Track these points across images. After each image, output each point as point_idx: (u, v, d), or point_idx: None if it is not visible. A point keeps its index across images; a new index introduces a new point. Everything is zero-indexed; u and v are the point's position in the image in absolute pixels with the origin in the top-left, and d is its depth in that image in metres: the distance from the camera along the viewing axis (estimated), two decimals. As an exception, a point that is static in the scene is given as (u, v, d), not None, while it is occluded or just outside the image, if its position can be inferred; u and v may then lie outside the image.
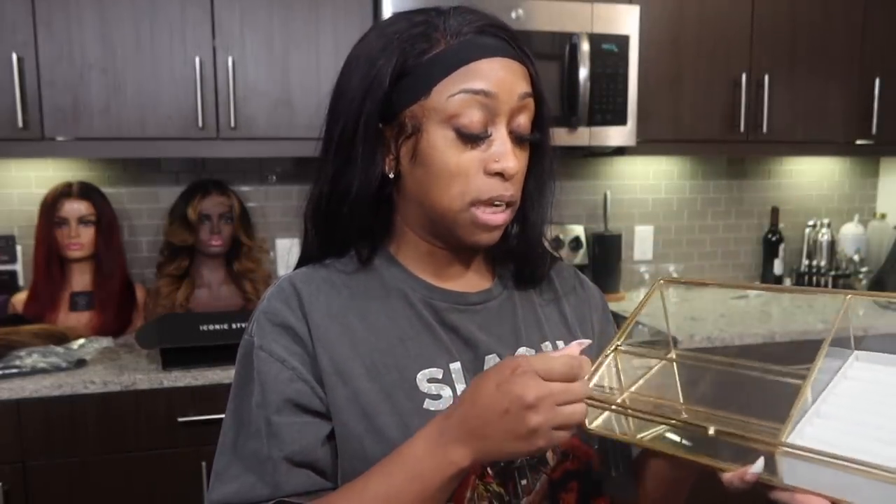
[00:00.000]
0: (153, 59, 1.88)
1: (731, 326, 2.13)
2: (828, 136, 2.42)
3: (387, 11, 1.87)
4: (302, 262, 0.78)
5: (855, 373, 0.59)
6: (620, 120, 2.11)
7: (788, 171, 2.80)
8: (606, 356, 0.65)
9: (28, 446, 1.63)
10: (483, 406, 0.58)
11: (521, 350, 0.76)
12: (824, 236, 2.65)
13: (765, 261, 2.73)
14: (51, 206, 1.96)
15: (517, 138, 0.70)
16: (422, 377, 0.70)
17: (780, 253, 2.68)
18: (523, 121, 0.70)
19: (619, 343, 0.67)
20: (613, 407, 0.61)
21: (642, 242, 2.66)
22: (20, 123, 1.79)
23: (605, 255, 2.48)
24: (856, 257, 2.68)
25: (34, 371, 1.68)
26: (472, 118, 0.67)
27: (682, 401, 0.67)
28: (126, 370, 1.71)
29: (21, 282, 2.12)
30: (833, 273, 2.63)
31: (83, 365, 1.75)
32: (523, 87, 0.69)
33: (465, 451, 0.59)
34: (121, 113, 1.87)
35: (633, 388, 0.68)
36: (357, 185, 0.70)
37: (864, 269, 2.66)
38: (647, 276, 2.62)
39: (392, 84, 0.68)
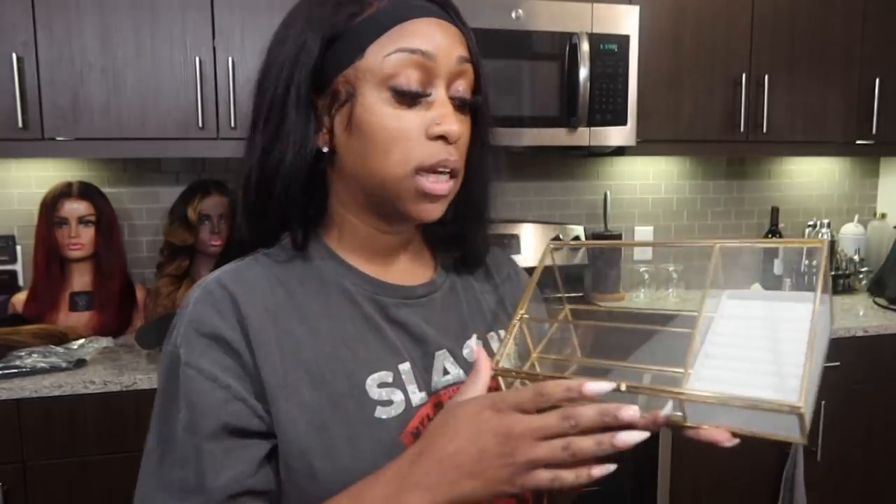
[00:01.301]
0: (153, 59, 1.88)
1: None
2: (828, 136, 2.42)
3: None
4: (229, 253, 0.71)
5: (728, 311, 0.65)
6: (620, 120, 2.11)
7: (788, 171, 2.80)
8: (514, 327, 0.66)
9: (28, 446, 1.63)
10: (458, 449, 0.54)
11: (471, 342, 0.73)
12: (824, 236, 2.65)
13: (764, 261, 2.73)
14: (51, 206, 1.96)
15: (457, 104, 0.66)
16: (371, 382, 0.65)
17: (780, 253, 2.68)
18: (462, 86, 0.66)
19: (523, 312, 0.67)
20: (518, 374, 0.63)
21: (642, 242, 2.66)
22: (20, 123, 1.79)
23: (605, 255, 2.49)
24: (856, 257, 2.68)
25: (34, 371, 1.68)
26: (410, 77, 0.63)
27: (582, 355, 0.71)
28: (126, 370, 1.71)
29: (21, 282, 2.12)
30: (833, 273, 2.63)
31: (83, 365, 1.75)
32: (460, 50, 0.66)
33: (423, 497, 0.54)
34: (121, 113, 1.87)
35: (536, 353, 0.69)
36: (290, 158, 0.64)
37: (864, 269, 2.67)
38: (646, 276, 2.61)
39: (322, 50, 0.64)
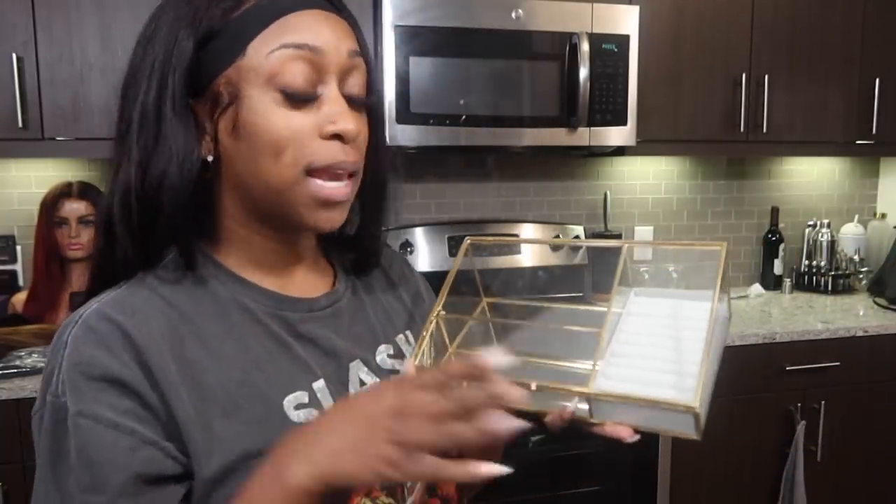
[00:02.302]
0: (153, 59, 1.88)
1: (732, 327, 2.12)
2: (828, 135, 2.42)
3: (387, 10, 1.87)
4: (101, 280, 0.63)
5: (635, 308, 0.68)
6: (620, 120, 2.11)
7: (788, 171, 2.80)
8: (430, 324, 0.65)
9: (28, 446, 1.62)
10: (349, 421, 0.50)
11: (381, 348, 0.71)
12: (824, 236, 2.65)
13: (765, 261, 2.73)
14: (51, 206, 1.96)
15: (351, 101, 0.62)
16: (288, 404, 0.61)
17: (780, 253, 2.69)
18: (355, 83, 0.62)
19: (440, 309, 0.66)
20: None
21: (642, 242, 2.66)
22: (20, 123, 1.79)
23: (606, 256, 2.48)
24: (856, 257, 2.68)
25: (34, 371, 1.67)
26: (297, 75, 0.58)
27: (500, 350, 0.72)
28: (126, 370, 1.71)
29: (21, 282, 2.12)
30: (833, 273, 2.63)
31: (83, 365, 1.75)
32: (350, 44, 0.62)
33: (302, 467, 0.49)
34: (121, 113, 1.87)
35: (453, 349, 0.69)
36: (174, 170, 0.58)
37: (864, 269, 2.67)
38: (647, 276, 2.62)
39: (198, 49, 0.58)
